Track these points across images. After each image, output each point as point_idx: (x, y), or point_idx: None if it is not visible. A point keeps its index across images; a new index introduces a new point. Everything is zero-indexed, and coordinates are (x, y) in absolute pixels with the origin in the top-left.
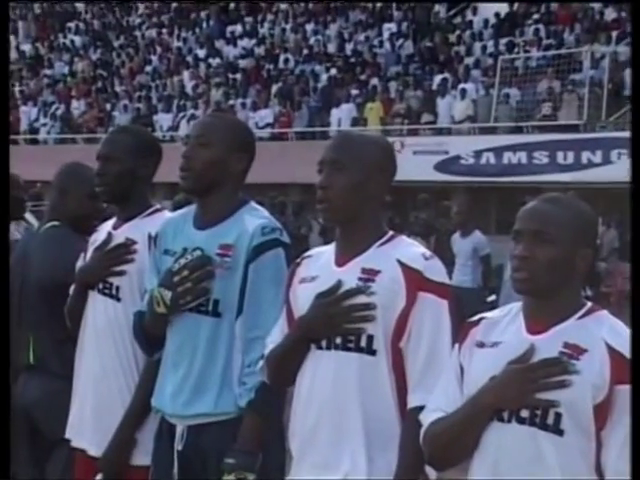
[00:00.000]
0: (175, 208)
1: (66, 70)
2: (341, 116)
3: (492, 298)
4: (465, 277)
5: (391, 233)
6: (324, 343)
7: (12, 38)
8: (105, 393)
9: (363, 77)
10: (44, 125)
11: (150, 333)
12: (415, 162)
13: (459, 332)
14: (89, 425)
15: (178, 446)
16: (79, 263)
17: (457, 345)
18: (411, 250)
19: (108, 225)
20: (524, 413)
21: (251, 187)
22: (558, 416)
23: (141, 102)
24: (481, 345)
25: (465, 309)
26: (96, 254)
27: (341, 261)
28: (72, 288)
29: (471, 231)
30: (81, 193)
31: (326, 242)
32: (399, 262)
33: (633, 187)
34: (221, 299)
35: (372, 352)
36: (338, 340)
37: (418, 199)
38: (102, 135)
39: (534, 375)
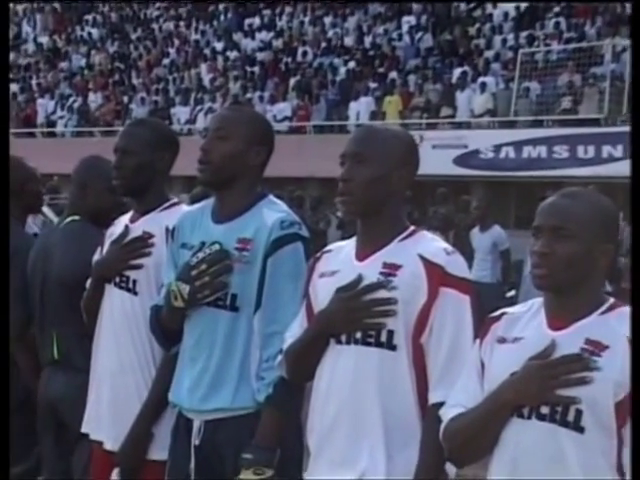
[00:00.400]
0: (193, 201)
1: (83, 63)
2: (359, 109)
3: (511, 293)
4: (484, 272)
5: (412, 228)
6: (344, 338)
7: (30, 30)
8: (122, 387)
9: (382, 70)
10: (61, 118)
11: (167, 327)
12: (434, 156)
13: (480, 327)
14: (106, 419)
15: (195, 441)
16: (96, 257)
17: (478, 340)
18: (433, 245)
19: (125, 218)
20: (544, 410)
21: (268, 181)
22: (579, 413)
23: (158, 95)
24: (502, 341)
25: (484, 304)
26: (113, 247)
27: (362, 255)
28: (88, 282)
29: (490, 226)
30: (101, 187)
31: (344, 237)
32: (421, 257)
33: (633, 187)
34: (239, 293)
35: (392, 347)
36: (358, 335)
37: (437, 193)
38: (119, 128)
39: (555, 371)
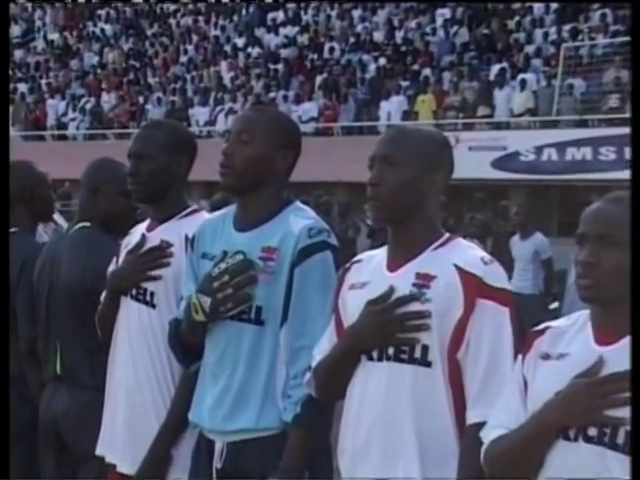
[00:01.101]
0: (213, 208)
1: (96, 61)
2: (391, 109)
3: (555, 305)
4: (525, 283)
5: (447, 235)
6: (375, 354)
7: (39, 26)
8: (139, 406)
9: (414, 67)
10: (73, 120)
11: (187, 342)
12: (471, 159)
13: (521, 342)
14: (121, 440)
15: (217, 464)
16: (111, 267)
17: (520, 357)
18: (469, 254)
19: (142, 227)
20: (592, 431)
21: (293, 186)
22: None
23: (176, 95)
24: (546, 357)
25: (525, 317)
26: (129, 258)
27: (393, 266)
28: (104, 294)
29: (531, 233)
30: (113, 191)
31: (374, 245)
32: (456, 267)
33: (633, 187)
34: (264, 306)
35: (427, 363)
36: (390, 351)
37: (474, 199)
38: (134, 130)
39: (603, 390)
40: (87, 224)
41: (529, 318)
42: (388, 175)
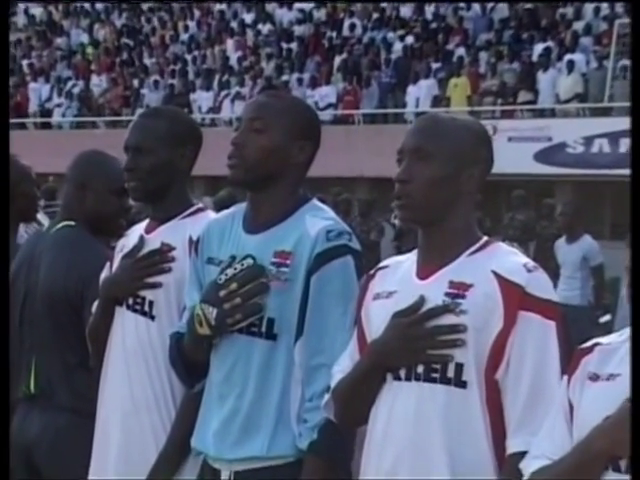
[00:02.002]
0: (219, 207)
1: (85, 39)
2: (419, 95)
3: (606, 318)
4: (572, 292)
5: (485, 239)
6: (403, 373)
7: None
8: (135, 430)
9: (447, 47)
10: (58, 106)
11: (190, 359)
12: (510, 151)
13: (568, 360)
14: (115, 469)
15: None
16: (104, 274)
17: (565, 377)
18: (510, 260)
19: (140, 228)
20: None
21: (309, 181)
22: None
23: (175, 78)
24: (595, 378)
25: (572, 332)
26: (125, 263)
27: (424, 273)
28: (95, 304)
29: (580, 236)
30: (103, 188)
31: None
32: (495, 274)
33: (633, 186)
34: (277, 318)
35: (462, 384)
36: (420, 369)
37: (514, 196)
38: (128, 118)
39: None
40: (71, 223)
41: (577, 333)
42: (419, 170)
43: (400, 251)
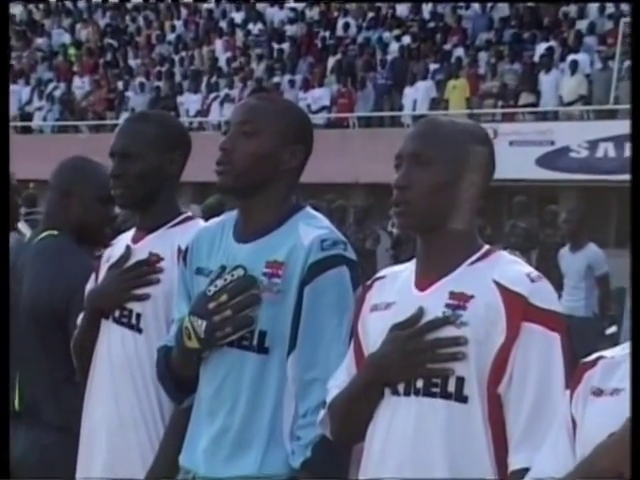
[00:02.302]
0: (207, 215)
1: (67, 39)
2: (416, 97)
3: (612, 330)
4: (577, 303)
5: (487, 247)
6: (402, 387)
7: None
8: (121, 448)
9: (445, 47)
10: (39, 109)
11: (179, 373)
12: (512, 155)
13: (572, 375)
14: None
15: None
16: (89, 285)
17: (568, 392)
18: (513, 269)
19: (126, 237)
20: None
21: (302, 188)
22: None
23: (161, 80)
24: (598, 393)
25: (577, 344)
26: (111, 274)
27: (423, 283)
28: (80, 317)
29: (584, 244)
30: (88, 196)
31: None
32: (497, 284)
33: (633, 187)
34: (269, 331)
35: (463, 399)
36: (420, 384)
37: (515, 203)
38: (112, 122)
39: None
40: (54, 232)
41: (581, 345)
42: (418, 176)
43: (397, 260)
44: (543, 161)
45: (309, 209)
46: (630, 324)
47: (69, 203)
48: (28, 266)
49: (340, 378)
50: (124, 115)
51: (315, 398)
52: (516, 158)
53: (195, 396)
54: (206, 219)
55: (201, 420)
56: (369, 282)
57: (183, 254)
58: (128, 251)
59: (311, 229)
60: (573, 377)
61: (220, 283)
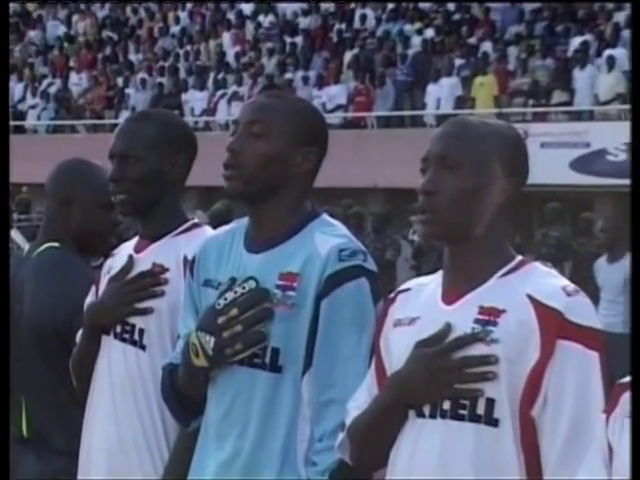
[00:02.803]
0: (214, 222)
1: (62, 32)
2: (440, 95)
3: None
4: (614, 318)
5: (519, 258)
6: (427, 409)
7: None
8: (122, 474)
9: (471, 41)
10: (33, 107)
11: (185, 393)
12: (544, 158)
13: (609, 397)
14: None
15: None
16: (89, 299)
17: (604, 416)
18: (548, 282)
19: (128, 247)
20: None
21: (315, 193)
22: None
23: (164, 76)
24: None
25: (615, 363)
26: (112, 286)
27: (451, 296)
28: (79, 333)
29: (622, 255)
30: (90, 202)
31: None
32: (531, 298)
33: (633, 187)
34: (282, 348)
35: (493, 422)
36: (446, 405)
37: (547, 210)
38: (111, 121)
39: None
40: (55, 244)
41: (620, 365)
42: (446, 181)
43: (419, 271)
44: (577, 165)
45: (325, 216)
46: (630, 323)
47: (69, 211)
48: (28, 282)
49: (360, 399)
50: (124, 114)
51: (332, 421)
52: (548, 161)
53: (202, 418)
54: (213, 227)
55: (209, 444)
56: (392, 295)
57: (190, 265)
58: (130, 261)
59: (328, 238)
60: (610, 400)
61: (230, 296)
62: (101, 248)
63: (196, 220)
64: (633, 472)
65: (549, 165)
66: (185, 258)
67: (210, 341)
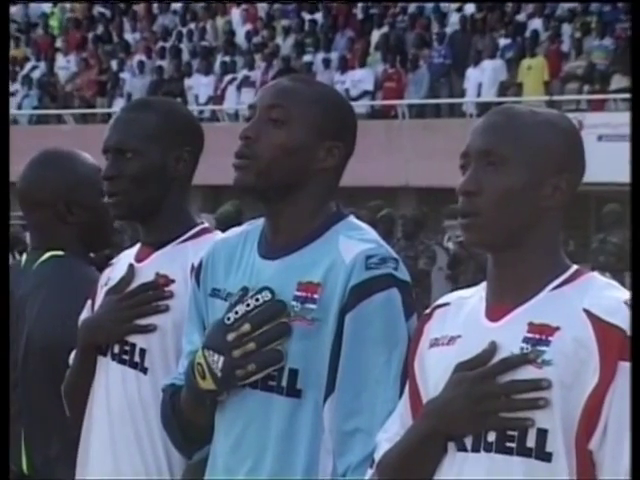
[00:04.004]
0: (223, 225)
1: (47, 8)
2: (482, 80)
3: None
4: None
5: (575, 268)
6: (470, 442)
7: None
8: None
9: (518, 18)
10: (13, 95)
11: (188, 420)
12: (601, 153)
13: None
14: None
15: None
16: (84, 314)
17: None
18: (608, 295)
19: (129, 255)
20: None
21: (339, 193)
22: None
23: (165, 58)
24: None
25: None
26: (110, 300)
27: (496, 312)
28: (73, 353)
29: None
30: (97, 202)
31: (455, 281)
32: (588, 314)
33: (633, 187)
34: (301, 369)
35: (546, 456)
36: (492, 437)
37: (606, 213)
38: (103, 110)
39: None
40: (59, 253)
41: None
42: (490, 180)
43: (456, 283)
44: None
45: (352, 218)
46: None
47: (71, 213)
48: (32, 298)
49: (392, 429)
50: (118, 102)
51: (358, 453)
52: (606, 156)
53: (210, 449)
54: (222, 230)
55: (217, 477)
56: (429, 310)
57: (195, 272)
58: (131, 272)
59: (354, 243)
60: None
61: (241, 309)
62: (107, 240)
63: (206, 224)
64: (633, 472)
65: (607, 161)
66: (193, 268)
67: (218, 361)
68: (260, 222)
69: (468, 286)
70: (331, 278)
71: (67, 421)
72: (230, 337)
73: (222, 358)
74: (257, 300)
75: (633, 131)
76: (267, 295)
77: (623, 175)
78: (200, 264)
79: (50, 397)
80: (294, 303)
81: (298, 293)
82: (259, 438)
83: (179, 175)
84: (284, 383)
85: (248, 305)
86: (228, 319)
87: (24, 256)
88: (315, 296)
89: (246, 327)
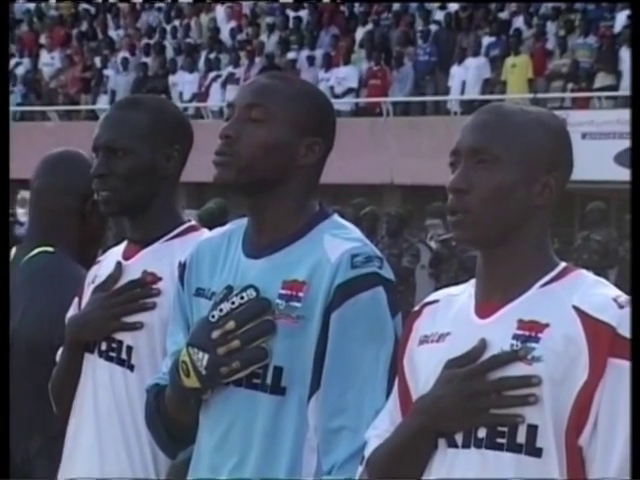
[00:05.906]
0: (206, 222)
1: (31, 5)
2: (466, 78)
3: None
4: None
5: (563, 265)
6: (460, 438)
7: None
8: None
9: (501, 15)
10: None
11: (172, 419)
12: (585, 151)
13: None
14: None
15: None
16: (71, 312)
17: None
18: (597, 292)
19: (116, 253)
20: None
21: (322, 190)
22: None
23: (149, 55)
24: None
25: None
26: (97, 297)
27: (486, 309)
28: (59, 351)
29: None
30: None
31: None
32: (578, 311)
33: (633, 187)
34: (286, 367)
35: (536, 452)
36: (482, 434)
37: (589, 210)
38: (88, 107)
39: None
40: (49, 249)
41: None
42: (480, 178)
43: (438, 281)
44: (624, 158)
45: (336, 217)
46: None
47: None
48: (19, 293)
49: (381, 426)
50: (102, 99)
51: (343, 450)
52: (590, 154)
53: (194, 448)
54: (208, 228)
55: (202, 477)
56: (417, 308)
57: (180, 271)
58: (118, 269)
59: (339, 241)
60: None
61: (226, 307)
62: (102, 239)
63: (193, 222)
64: (633, 472)
65: (592, 159)
66: (180, 265)
67: (203, 358)
68: (244, 221)
69: (452, 284)
70: (316, 276)
71: (48, 418)
72: (215, 335)
73: (207, 356)
74: (242, 298)
75: (633, 131)
76: (252, 293)
77: (607, 173)
78: (184, 264)
79: (32, 394)
80: (279, 301)
81: (283, 291)
82: (244, 436)
83: (169, 173)
84: (269, 381)
85: (233, 303)
86: (213, 317)
87: (13, 250)
88: (300, 294)
89: (231, 325)
